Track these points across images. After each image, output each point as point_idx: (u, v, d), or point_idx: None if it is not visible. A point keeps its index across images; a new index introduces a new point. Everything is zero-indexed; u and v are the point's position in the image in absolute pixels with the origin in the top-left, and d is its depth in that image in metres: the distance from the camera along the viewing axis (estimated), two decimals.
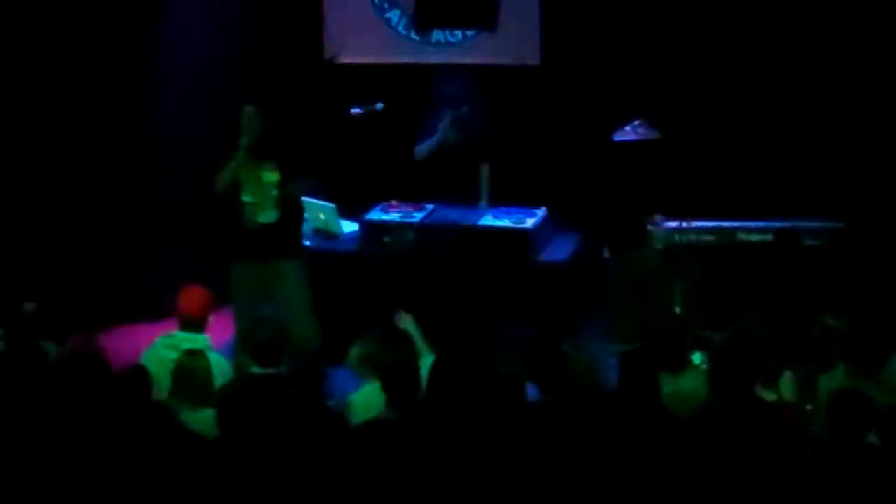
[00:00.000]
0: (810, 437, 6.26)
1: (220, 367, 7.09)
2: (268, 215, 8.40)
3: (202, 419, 6.44)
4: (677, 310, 8.54)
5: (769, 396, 6.55)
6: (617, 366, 6.63)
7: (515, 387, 6.45)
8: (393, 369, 6.45)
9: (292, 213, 8.55)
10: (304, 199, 9.45)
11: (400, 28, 10.39)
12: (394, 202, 9.44)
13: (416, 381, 6.42)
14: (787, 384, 6.88)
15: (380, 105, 9.55)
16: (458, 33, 10.28)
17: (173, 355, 6.91)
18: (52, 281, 9.46)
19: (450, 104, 9.52)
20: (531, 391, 6.59)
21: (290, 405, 6.45)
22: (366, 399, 6.73)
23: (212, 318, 7.44)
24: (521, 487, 5.82)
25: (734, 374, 6.46)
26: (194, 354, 6.79)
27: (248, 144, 8.31)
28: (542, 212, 9.24)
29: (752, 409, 6.24)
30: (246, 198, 8.39)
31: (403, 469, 5.88)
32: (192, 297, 7.43)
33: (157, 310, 9.08)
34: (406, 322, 7.66)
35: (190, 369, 6.66)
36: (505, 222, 9.14)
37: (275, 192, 8.39)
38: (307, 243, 9.44)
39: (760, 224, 9.21)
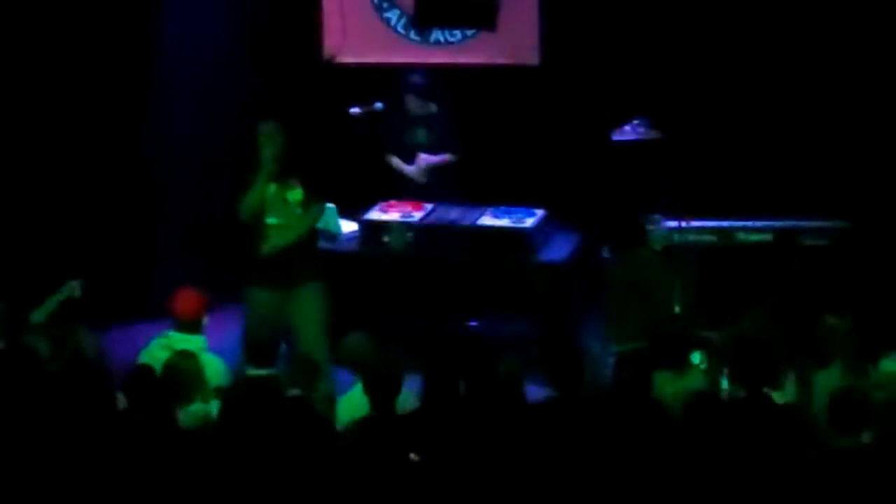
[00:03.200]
0: (813, 435, 6.27)
1: (216, 368, 7.10)
2: (291, 236, 8.18)
3: (191, 414, 6.46)
4: (677, 310, 8.54)
5: (772, 397, 6.54)
6: (614, 366, 6.63)
7: (514, 388, 6.45)
8: (373, 371, 6.43)
9: (312, 233, 8.38)
10: None
11: (399, 28, 10.39)
12: (393, 202, 9.43)
13: (396, 384, 6.39)
14: (788, 384, 6.88)
15: (379, 105, 9.55)
16: (458, 33, 10.27)
17: (167, 355, 6.92)
18: (52, 281, 9.45)
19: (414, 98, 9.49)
20: (531, 391, 6.61)
21: (282, 407, 6.46)
22: (354, 401, 6.72)
23: (206, 320, 7.43)
24: (521, 487, 5.83)
25: (734, 372, 6.48)
26: (185, 355, 6.79)
27: (272, 161, 8.03)
28: (541, 212, 9.24)
29: (753, 407, 6.25)
30: (271, 220, 8.16)
31: (393, 470, 5.88)
32: (185, 299, 7.43)
33: (157, 310, 9.06)
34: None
35: (180, 369, 6.66)
36: (504, 222, 9.13)
37: (299, 212, 8.21)
38: None
39: (760, 224, 9.20)
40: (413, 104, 9.47)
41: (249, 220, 8.16)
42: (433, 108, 9.50)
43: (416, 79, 9.52)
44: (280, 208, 8.18)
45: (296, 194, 8.19)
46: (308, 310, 8.22)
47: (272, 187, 8.16)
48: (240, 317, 8.28)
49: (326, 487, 5.87)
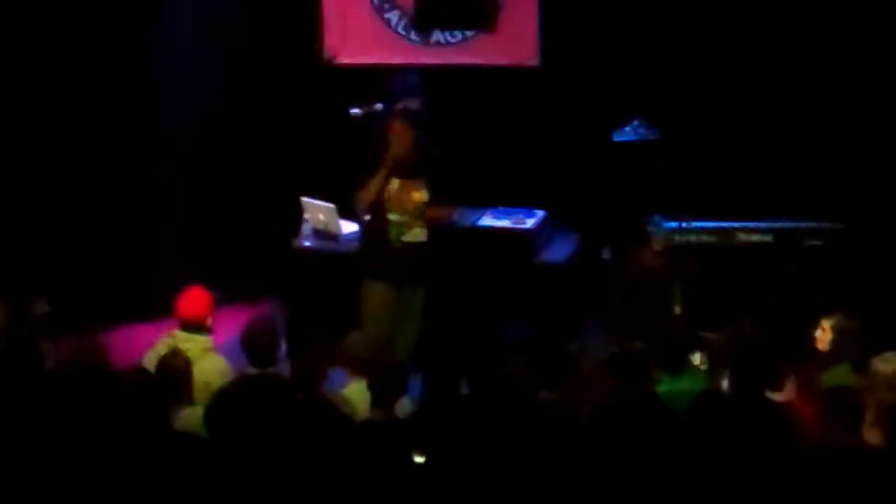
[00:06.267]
0: (812, 436, 6.27)
1: (220, 369, 7.10)
2: (415, 234, 8.28)
3: (187, 418, 6.45)
4: (677, 310, 8.54)
5: (773, 397, 6.54)
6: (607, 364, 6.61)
7: (516, 388, 6.44)
8: (376, 369, 6.43)
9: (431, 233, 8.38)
10: (304, 199, 9.48)
11: (400, 29, 10.39)
12: None
13: (401, 384, 6.40)
14: (788, 384, 6.88)
15: (379, 106, 9.53)
16: (458, 34, 10.27)
17: None
18: (53, 281, 9.46)
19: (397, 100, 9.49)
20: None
21: (293, 405, 6.45)
22: (354, 396, 6.72)
23: (210, 320, 7.42)
24: (522, 487, 5.83)
25: (734, 373, 6.48)
26: (175, 353, 6.79)
27: (396, 159, 8.13)
28: (541, 212, 9.24)
29: (754, 407, 6.25)
30: (393, 216, 8.23)
31: (395, 471, 5.88)
32: (190, 298, 7.42)
33: (157, 310, 9.07)
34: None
35: (171, 368, 6.65)
36: (505, 223, 9.14)
37: (421, 211, 8.26)
38: (306, 244, 9.44)
39: (760, 224, 9.20)
40: (407, 104, 9.42)
41: (365, 213, 8.26)
42: (418, 104, 9.45)
43: (409, 78, 9.50)
44: (402, 206, 8.24)
45: (421, 195, 8.25)
46: (415, 310, 8.32)
47: (395, 184, 8.22)
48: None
49: (326, 488, 5.87)
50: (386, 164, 8.15)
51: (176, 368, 6.65)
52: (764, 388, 6.43)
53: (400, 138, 8.20)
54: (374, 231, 8.29)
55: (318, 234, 9.47)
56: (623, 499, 5.78)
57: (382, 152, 8.20)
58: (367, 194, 8.19)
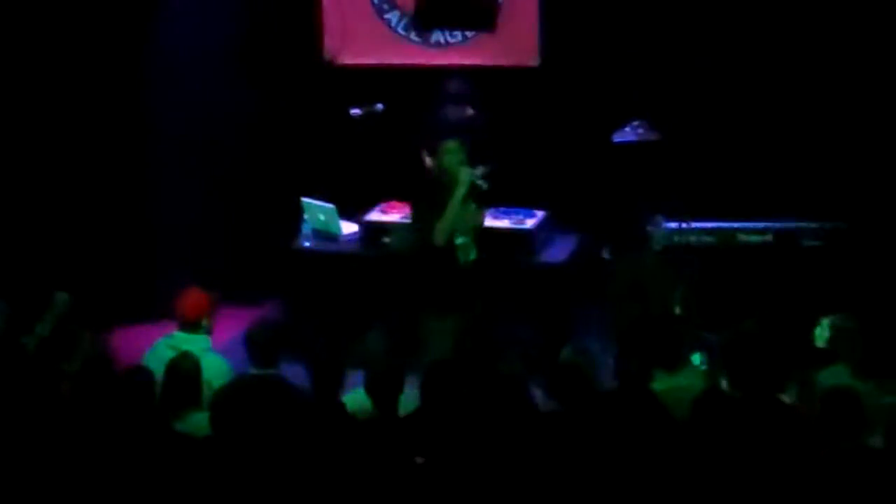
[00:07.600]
0: (812, 437, 6.27)
1: (219, 369, 7.09)
2: (475, 253, 8.13)
3: (195, 423, 6.45)
4: (677, 311, 8.54)
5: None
6: (615, 360, 6.60)
7: (516, 388, 6.44)
8: (374, 368, 6.43)
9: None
10: (304, 199, 9.49)
11: (400, 29, 10.39)
12: (393, 202, 9.43)
13: (397, 383, 6.40)
14: (789, 385, 6.88)
15: (380, 106, 9.55)
16: (458, 34, 10.28)
17: (173, 355, 6.91)
18: (53, 281, 9.45)
19: (453, 103, 9.48)
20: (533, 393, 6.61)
21: (294, 405, 6.45)
22: (356, 400, 6.71)
23: (206, 321, 7.41)
24: (522, 488, 5.83)
25: (735, 373, 6.48)
26: (185, 356, 6.78)
27: (468, 184, 7.89)
28: (542, 213, 9.24)
29: (757, 407, 6.25)
30: (459, 240, 8.03)
31: (398, 470, 5.89)
32: (188, 299, 7.42)
33: (157, 310, 9.07)
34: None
35: (181, 370, 6.64)
36: (505, 223, 9.14)
37: (474, 226, 8.12)
38: (306, 244, 9.45)
39: (760, 225, 9.21)
40: (450, 110, 9.43)
41: (445, 243, 7.97)
42: (469, 112, 9.45)
43: (453, 85, 9.51)
44: (465, 228, 8.05)
45: (472, 213, 8.08)
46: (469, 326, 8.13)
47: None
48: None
49: (327, 488, 5.87)
50: (459, 188, 7.89)
51: (186, 371, 6.65)
52: (765, 388, 6.43)
53: (457, 158, 7.96)
54: (439, 258, 8.01)
55: (318, 234, 9.48)
56: (621, 496, 5.78)
57: (425, 178, 8.00)
58: (443, 226, 7.90)
